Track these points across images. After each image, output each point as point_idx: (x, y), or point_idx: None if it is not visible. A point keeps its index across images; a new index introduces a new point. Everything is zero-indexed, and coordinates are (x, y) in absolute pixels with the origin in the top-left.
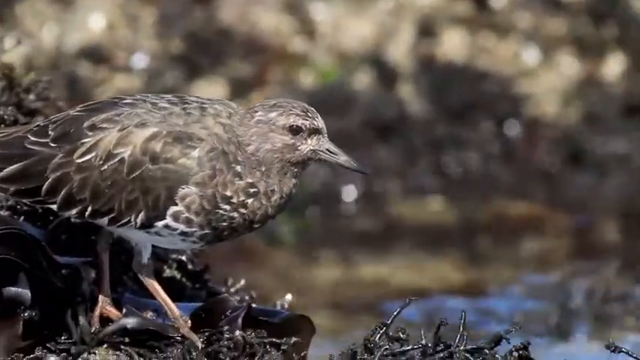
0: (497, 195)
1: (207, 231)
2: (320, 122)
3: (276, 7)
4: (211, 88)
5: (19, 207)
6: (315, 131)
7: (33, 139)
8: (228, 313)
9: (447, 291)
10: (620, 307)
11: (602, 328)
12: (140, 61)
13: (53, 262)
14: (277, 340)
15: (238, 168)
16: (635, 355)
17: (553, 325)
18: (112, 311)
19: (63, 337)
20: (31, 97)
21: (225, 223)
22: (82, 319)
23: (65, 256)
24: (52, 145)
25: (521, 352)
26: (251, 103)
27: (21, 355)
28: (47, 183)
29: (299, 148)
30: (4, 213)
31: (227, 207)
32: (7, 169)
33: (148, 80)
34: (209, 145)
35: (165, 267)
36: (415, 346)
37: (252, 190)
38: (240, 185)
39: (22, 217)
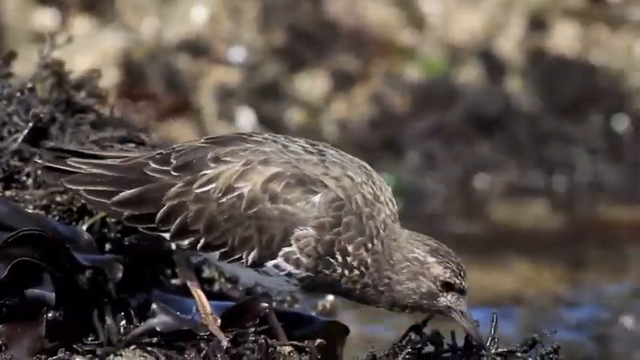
0: (603, 197)
1: (309, 274)
2: (466, 283)
3: (385, 0)
4: (313, 82)
5: (53, 206)
6: (460, 291)
7: (154, 166)
8: (259, 314)
9: (540, 297)
10: None
11: None
12: (238, 54)
13: (76, 263)
14: (300, 344)
15: (369, 245)
16: None
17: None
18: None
19: (89, 339)
20: (82, 94)
21: (326, 272)
22: (108, 320)
23: (91, 255)
24: (174, 173)
25: (552, 355)
26: (354, 98)
27: (44, 356)
28: (162, 210)
29: (438, 299)
30: (38, 211)
31: (339, 258)
32: (124, 193)
33: (247, 73)
34: (333, 195)
35: (204, 267)
36: (445, 349)
37: (362, 269)
38: (361, 255)
39: (56, 217)
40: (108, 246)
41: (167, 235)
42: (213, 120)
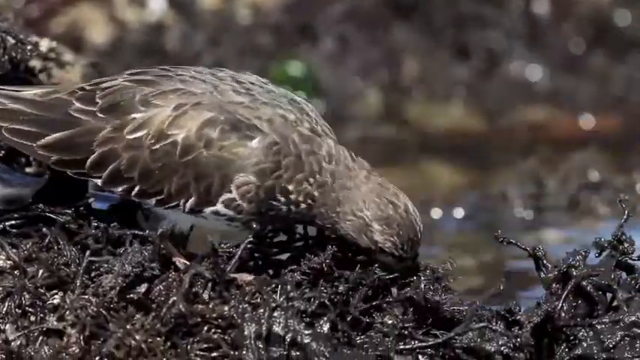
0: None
1: (252, 218)
2: (411, 254)
3: None
4: None
5: None
6: (400, 259)
7: (78, 105)
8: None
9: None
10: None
11: (576, 217)
12: None
13: None
14: (141, 232)
15: (312, 179)
16: (523, 247)
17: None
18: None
19: None
20: None
21: (271, 212)
22: None
23: None
24: (100, 115)
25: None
26: None
27: None
28: (93, 157)
29: (377, 255)
30: None
31: (282, 199)
32: (51, 137)
33: None
34: (270, 139)
35: None
36: (297, 238)
37: (310, 201)
38: (306, 189)
39: None
40: None
41: (99, 182)
42: (123, 5)
